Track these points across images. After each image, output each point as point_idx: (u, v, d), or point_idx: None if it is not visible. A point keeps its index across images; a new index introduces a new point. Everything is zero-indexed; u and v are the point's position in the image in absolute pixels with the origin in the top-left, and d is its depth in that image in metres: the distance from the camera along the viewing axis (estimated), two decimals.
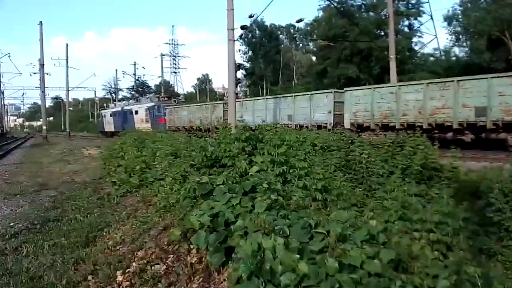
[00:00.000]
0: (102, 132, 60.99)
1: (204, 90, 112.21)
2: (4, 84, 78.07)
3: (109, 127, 57.47)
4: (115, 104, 63.83)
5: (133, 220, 6.97)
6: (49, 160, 19.89)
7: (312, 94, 22.38)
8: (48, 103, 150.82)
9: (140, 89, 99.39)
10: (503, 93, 14.41)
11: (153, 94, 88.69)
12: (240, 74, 73.62)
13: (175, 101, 46.52)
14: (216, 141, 8.36)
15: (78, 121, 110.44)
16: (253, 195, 5.47)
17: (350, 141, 10.33)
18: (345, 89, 20.47)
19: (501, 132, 14.65)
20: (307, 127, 20.60)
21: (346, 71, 39.24)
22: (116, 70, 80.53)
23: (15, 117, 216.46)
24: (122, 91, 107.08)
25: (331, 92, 21.11)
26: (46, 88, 48.34)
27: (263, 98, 26.01)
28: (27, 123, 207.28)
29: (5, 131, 79.73)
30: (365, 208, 6.15)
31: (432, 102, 16.18)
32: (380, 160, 8.28)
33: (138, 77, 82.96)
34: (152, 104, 45.94)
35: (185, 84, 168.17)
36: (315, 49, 55.43)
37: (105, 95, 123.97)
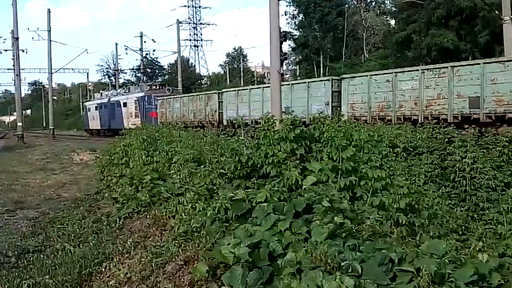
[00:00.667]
0: (87, 130, 64.50)
1: (236, 70, 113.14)
2: None
3: (95, 123, 60.69)
4: (101, 94, 66.62)
5: (142, 251, 7.13)
6: (26, 169, 20.65)
7: (310, 82, 25.40)
8: (25, 90, 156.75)
9: (149, 70, 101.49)
10: (495, 81, 17.12)
11: (160, 80, 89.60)
12: (287, 46, 73.64)
13: (169, 89, 48.98)
14: (254, 141, 8.43)
15: (65, 115, 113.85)
16: (308, 218, 5.48)
17: (446, 139, 10.16)
18: (341, 76, 23.84)
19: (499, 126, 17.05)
20: (304, 122, 22.00)
21: (439, 39, 38.52)
22: (116, 45, 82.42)
23: None
24: (125, 73, 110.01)
25: (329, 80, 24.03)
26: (21, 70, 50.29)
27: (260, 87, 29.52)
28: None
29: None
30: (470, 236, 6.03)
31: (428, 91, 19.40)
32: (491, 167, 8.09)
33: (146, 54, 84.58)
34: (142, 94, 49.32)
35: (210, 63, 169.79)
36: (394, 9, 54.79)
37: (101, 79, 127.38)
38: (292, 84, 26.54)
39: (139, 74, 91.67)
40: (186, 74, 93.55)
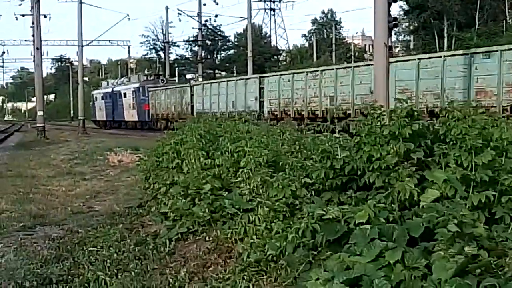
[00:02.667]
0: (95, 121, 78.66)
1: (326, 42, 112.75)
2: None
3: (101, 114, 75.10)
4: (107, 83, 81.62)
5: (200, 286, 7.21)
6: (48, 173, 21.34)
7: (355, 66, 32.13)
8: (47, 68, 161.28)
9: (209, 41, 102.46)
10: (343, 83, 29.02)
11: (223, 55, 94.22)
12: (397, 9, 72.17)
13: (163, 80, 60.21)
14: (351, 139, 8.35)
15: None
16: (428, 246, 5.41)
17: None
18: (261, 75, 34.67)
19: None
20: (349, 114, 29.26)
21: None
22: (167, 9, 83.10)
23: None
24: (177, 46, 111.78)
25: (257, 77, 33.78)
26: (43, 42, 51.74)
27: (217, 81, 39.76)
28: (9, 104, 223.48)
29: None
30: None
31: (309, 91, 31.32)
32: None
33: (206, 21, 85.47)
34: (137, 85, 62.07)
35: (291, 32, 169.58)
36: None
37: (146, 54, 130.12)
38: (228, 81, 33.40)
39: (195, 48, 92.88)
40: (259, 47, 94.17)
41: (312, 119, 31.75)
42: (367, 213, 6.09)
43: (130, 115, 66.29)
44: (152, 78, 63.52)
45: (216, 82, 48.78)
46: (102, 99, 75.40)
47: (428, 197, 6.67)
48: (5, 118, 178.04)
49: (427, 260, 5.20)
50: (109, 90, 74.01)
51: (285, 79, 36.29)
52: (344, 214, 6.23)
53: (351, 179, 7.63)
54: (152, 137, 28.23)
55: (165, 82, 61.82)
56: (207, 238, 8.90)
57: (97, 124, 76.09)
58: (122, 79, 77.97)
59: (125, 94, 67.35)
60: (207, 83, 50.43)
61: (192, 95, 50.14)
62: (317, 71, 34.58)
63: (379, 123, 8.12)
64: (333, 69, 33.49)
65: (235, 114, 29.95)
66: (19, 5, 55.63)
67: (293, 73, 36.65)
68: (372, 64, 27.40)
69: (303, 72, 35.92)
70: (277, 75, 38.37)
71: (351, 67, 32.49)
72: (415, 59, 28.07)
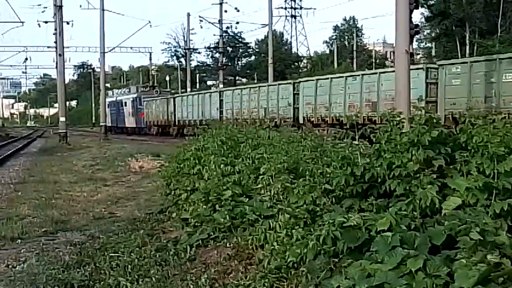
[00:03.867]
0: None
1: (347, 49, 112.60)
2: None
3: (107, 121, 78.53)
4: (112, 92, 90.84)
5: None
6: (70, 178, 21.47)
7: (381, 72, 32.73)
8: (69, 75, 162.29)
9: (230, 48, 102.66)
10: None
11: (244, 62, 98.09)
12: (418, 16, 72.00)
13: (156, 91, 68.45)
14: (371, 146, 8.31)
15: None
16: (450, 254, 5.38)
17: None
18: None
19: None
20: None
21: None
22: (188, 16, 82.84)
23: (12, 101, 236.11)
24: (198, 52, 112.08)
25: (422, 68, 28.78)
26: (66, 49, 52.15)
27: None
28: (32, 110, 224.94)
29: None
30: None
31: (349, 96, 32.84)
32: None
33: (227, 27, 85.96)
34: (135, 95, 72.73)
35: (312, 39, 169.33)
36: None
37: (167, 61, 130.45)
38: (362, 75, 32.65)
39: (217, 55, 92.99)
40: (280, 54, 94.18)
41: (351, 126, 31.56)
42: (388, 220, 6.06)
43: (130, 121, 76.70)
44: (148, 89, 72.19)
45: (205, 93, 56.37)
46: (108, 107, 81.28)
47: (450, 205, 6.61)
48: (28, 124, 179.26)
49: (449, 268, 5.16)
50: (114, 99, 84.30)
51: (323, 84, 35.82)
52: (365, 221, 6.19)
53: (372, 186, 7.59)
54: (172, 143, 28.26)
55: (158, 93, 71.13)
56: (227, 245, 8.90)
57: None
58: (124, 89, 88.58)
59: (125, 103, 78.07)
60: (187, 95, 60.32)
61: (175, 105, 59.31)
62: (357, 75, 34.23)
63: (398, 130, 8.09)
64: (376, 73, 33.12)
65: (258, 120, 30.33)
66: (42, 12, 56.21)
67: (331, 78, 36.21)
68: (420, 69, 28.44)
69: (342, 77, 35.56)
70: (313, 80, 37.68)
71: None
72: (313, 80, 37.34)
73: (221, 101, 50.40)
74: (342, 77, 35.34)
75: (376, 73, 33.40)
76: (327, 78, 36.49)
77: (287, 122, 35.16)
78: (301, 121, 35.17)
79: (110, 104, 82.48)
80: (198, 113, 53.74)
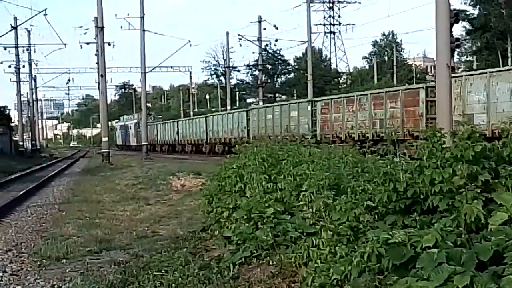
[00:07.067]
0: (116, 145, 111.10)
1: (386, 64, 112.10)
2: (36, 65, 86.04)
3: (119, 140, 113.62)
4: (122, 118, 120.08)
5: None
6: (113, 198, 21.65)
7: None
8: (111, 95, 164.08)
9: (269, 66, 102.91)
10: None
11: (283, 79, 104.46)
12: (459, 30, 71.45)
13: (152, 117, 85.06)
14: (411, 162, 8.23)
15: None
16: (498, 270, 5.29)
17: None
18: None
19: None
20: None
21: None
22: (228, 34, 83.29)
23: (55, 122, 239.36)
24: (237, 71, 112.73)
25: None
26: (107, 70, 52.86)
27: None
28: (75, 131, 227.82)
29: (38, 147, 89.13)
30: None
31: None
32: None
33: (266, 45, 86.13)
34: (136, 120, 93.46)
35: (351, 55, 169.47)
36: None
37: (207, 80, 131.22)
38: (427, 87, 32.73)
39: (256, 72, 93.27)
40: (319, 70, 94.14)
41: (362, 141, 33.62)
42: (434, 236, 5.98)
43: (133, 140, 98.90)
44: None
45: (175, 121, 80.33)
46: (119, 129, 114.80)
47: (496, 220, 6.52)
48: (71, 144, 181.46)
49: (497, 284, 5.07)
50: (123, 123, 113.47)
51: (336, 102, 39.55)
52: (410, 237, 6.12)
53: (415, 202, 7.52)
54: (212, 161, 28.40)
55: (153, 119, 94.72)
56: (270, 262, 8.88)
57: (118, 147, 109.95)
58: (130, 116, 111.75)
59: (130, 126, 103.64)
60: (164, 123, 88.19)
61: (157, 130, 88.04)
62: (397, 90, 36.03)
63: (439, 146, 8.02)
64: (421, 87, 34.22)
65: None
66: (84, 33, 57.06)
67: (344, 97, 39.96)
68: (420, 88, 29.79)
69: (367, 94, 37.81)
70: (327, 99, 41.99)
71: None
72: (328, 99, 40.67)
73: (248, 120, 54.61)
74: (353, 96, 39.25)
75: (422, 87, 34.77)
76: (340, 98, 40.52)
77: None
78: (318, 138, 35.60)
79: (120, 127, 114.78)
80: (215, 131, 64.00)
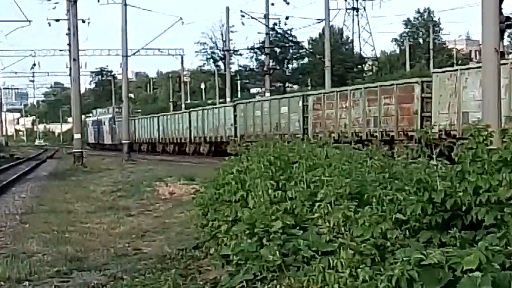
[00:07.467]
0: (88, 143, 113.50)
1: (421, 47, 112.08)
2: None
3: (91, 138, 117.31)
4: (96, 112, 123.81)
5: None
6: (87, 207, 21.69)
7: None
8: (85, 83, 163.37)
9: (279, 48, 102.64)
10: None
11: (295, 65, 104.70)
12: (511, 6, 71.00)
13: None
14: (451, 167, 8.23)
15: None
16: None
17: None
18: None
19: None
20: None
21: None
22: (228, 10, 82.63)
23: (17, 116, 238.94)
24: (239, 54, 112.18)
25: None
26: (81, 52, 52.82)
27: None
28: (41, 126, 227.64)
29: None
30: None
31: None
32: None
33: (275, 24, 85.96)
34: (110, 115, 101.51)
35: (378, 37, 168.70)
36: None
37: (202, 65, 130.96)
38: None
39: (262, 57, 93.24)
40: (339, 55, 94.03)
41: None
42: (477, 257, 5.97)
43: (107, 138, 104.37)
44: (121, 110, 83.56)
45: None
46: (92, 125, 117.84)
47: None
48: (36, 143, 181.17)
49: None
50: (95, 118, 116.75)
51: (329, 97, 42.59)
52: (448, 258, 6.11)
53: (455, 216, 7.52)
54: (209, 164, 28.38)
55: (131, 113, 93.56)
56: (278, 287, 8.87)
57: (91, 146, 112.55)
58: (104, 110, 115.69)
59: (104, 122, 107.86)
60: (143, 118, 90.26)
61: (135, 127, 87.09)
62: (391, 85, 38.66)
63: (486, 147, 7.99)
64: (417, 82, 36.51)
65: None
66: (53, 8, 55.94)
67: (337, 91, 42.74)
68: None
69: (360, 88, 41.05)
70: (319, 94, 44.63)
71: None
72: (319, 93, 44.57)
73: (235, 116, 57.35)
74: (346, 90, 42.32)
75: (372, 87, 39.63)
76: (332, 92, 43.47)
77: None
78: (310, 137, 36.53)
79: (93, 123, 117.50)
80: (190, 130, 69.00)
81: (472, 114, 28.70)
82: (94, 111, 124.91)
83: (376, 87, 39.00)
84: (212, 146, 61.95)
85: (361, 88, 40.57)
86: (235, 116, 56.80)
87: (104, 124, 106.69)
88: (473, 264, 5.91)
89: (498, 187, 7.26)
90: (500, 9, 15.17)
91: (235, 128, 56.17)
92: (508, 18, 16.49)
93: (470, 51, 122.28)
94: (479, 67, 27.10)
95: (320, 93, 45.16)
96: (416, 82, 35.02)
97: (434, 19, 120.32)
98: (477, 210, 7.25)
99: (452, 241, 7.01)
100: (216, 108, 65.68)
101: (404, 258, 6.35)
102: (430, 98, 33.32)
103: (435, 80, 33.00)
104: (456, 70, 32.29)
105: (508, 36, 74.13)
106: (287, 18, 78.87)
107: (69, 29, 48.55)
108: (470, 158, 7.86)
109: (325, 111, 41.87)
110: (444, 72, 33.77)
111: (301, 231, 9.88)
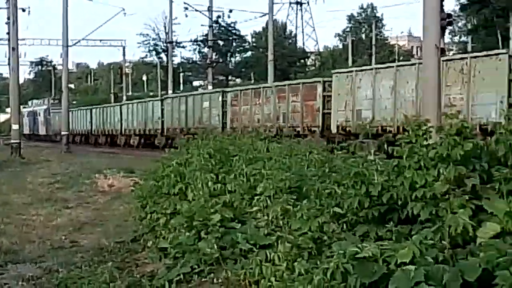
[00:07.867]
0: (23, 134, 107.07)
1: (364, 43, 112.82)
2: None
3: (27, 129, 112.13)
4: (31, 103, 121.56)
5: None
6: (24, 199, 21.39)
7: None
8: (25, 73, 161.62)
9: (222, 41, 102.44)
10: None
11: (239, 58, 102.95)
12: (452, 5, 71.82)
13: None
14: (388, 162, 8.30)
15: None
16: None
17: None
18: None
19: None
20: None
21: None
22: (171, 2, 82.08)
23: None
24: (182, 47, 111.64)
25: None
26: (20, 42, 52.10)
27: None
28: None
29: None
30: None
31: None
32: None
33: (218, 17, 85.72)
34: (46, 106, 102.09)
35: (322, 31, 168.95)
36: None
37: (145, 57, 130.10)
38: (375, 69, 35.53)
39: (205, 49, 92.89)
40: (282, 49, 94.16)
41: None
42: (411, 251, 6.04)
43: (42, 130, 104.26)
44: (56, 102, 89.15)
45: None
46: (27, 116, 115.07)
47: (486, 233, 6.61)
48: None
49: None
50: (31, 109, 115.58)
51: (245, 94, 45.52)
52: (383, 252, 6.16)
53: (391, 210, 7.59)
54: (150, 157, 28.25)
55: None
56: (215, 280, 8.89)
57: (25, 137, 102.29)
58: (40, 101, 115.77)
59: (39, 113, 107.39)
60: (77, 110, 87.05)
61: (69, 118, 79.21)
62: (298, 83, 42.03)
63: (424, 142, 8.04)
64: (319, 81, 39.51)
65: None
66: None
67: (252, 88, 45.73)
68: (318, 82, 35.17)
69: (271, 86, 44.24)
70: (237, 90, 47.82)
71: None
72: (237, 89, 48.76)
73: (162, 110, 59.37)
74: (260, 88, 45.49)
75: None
76: (248, 89, 46.33)
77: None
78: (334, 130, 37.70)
79: (28, 114, 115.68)
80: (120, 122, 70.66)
81: (364, 112, 33.03)
82: (29, 102, 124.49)
83: (285, 85, 42.37)
84: (141, 138, 64.04)
85: (271, 87, 43.79)
86: (162, 110, 59.03)
87: (40, 115, 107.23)
88: (406, 258, 5.98)
89: (433, 182, 7.34)
90: (442, 6, 15.34)
91: (162, 121, 58.38)
92: (449, 15, 16.69)
93: (412, 47, 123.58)
94: (371, 69, 29.88)
95: (237, 90, 48.39)
96: (319, 82, 38.16)
97: (377, 15, 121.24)
98: (413, 205, 7.31)
99: (388, 235, 7.07)
100: (145, 102, 68.10)
101: (340, 252, 6.40)
102: (331, 96, 36.13)
103: (334, 80, 36.03)
104: (352, 71, 35.59)
105: (449, 33, 74.69)
106: (230, 11, 79.67)
107: (8, 18, 47.75)
108: (407, 153, 7.91)
109: (241, 107, 44.83)
110: (342, 73, 36.70)
111: (240, 225, 9.91)
